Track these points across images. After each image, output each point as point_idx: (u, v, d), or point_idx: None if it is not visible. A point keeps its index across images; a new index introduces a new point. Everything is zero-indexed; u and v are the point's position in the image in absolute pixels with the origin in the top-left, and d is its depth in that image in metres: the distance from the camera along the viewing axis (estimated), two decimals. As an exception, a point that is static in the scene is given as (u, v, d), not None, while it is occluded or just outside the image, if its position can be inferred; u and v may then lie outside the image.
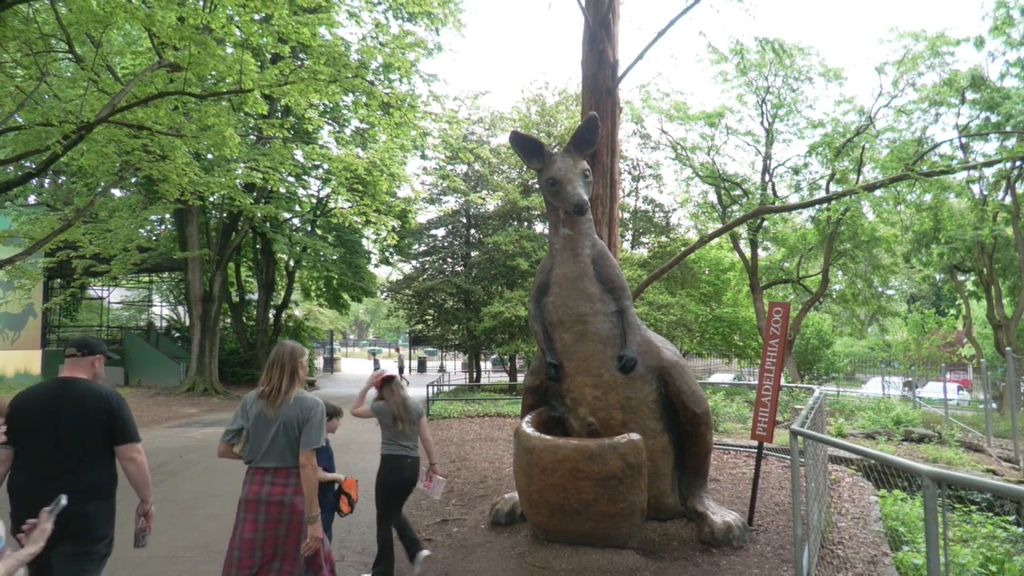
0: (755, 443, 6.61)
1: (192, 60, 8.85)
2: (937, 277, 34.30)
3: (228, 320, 28.39)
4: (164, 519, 6.69)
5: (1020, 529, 7.34)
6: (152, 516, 3.58)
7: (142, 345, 26.19)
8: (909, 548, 5.86)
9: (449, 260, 28.18)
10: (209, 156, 16.44)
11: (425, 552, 5.17)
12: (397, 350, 46.11)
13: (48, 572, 3.18)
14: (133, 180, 18.93)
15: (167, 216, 24.06)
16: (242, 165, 14.20)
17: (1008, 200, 20.76)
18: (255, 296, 29.08)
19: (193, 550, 5.73)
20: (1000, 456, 12.62)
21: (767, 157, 22.82)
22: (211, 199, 21.36)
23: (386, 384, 5.22)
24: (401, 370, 30.08)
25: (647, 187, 30.23)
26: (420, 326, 29.75)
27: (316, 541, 3.44)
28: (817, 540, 5.31)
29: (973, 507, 7.84)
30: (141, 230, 20.34)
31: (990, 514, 7.54)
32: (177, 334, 30.58)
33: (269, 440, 3.48)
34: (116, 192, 21.30)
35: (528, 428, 5.82)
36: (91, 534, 3.26)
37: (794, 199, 22.67)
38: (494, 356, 33.61)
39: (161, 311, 35.53)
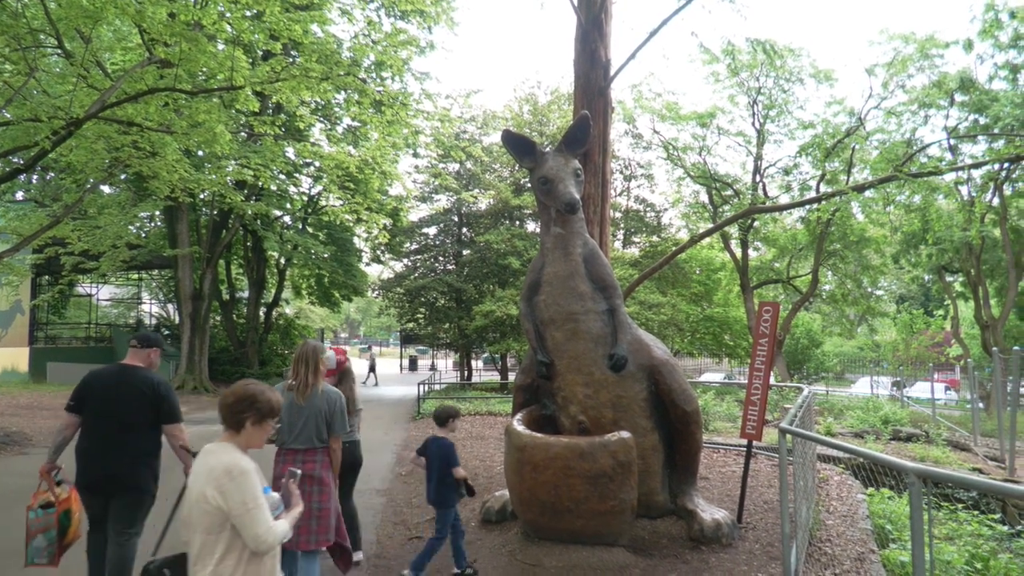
0: (744, 441, 6.65)
1: (183, 56, 8.80)
2: (925, 278, 34.59)
3: (218, 318, 28.29)
4: (152, 517, 6.66)
5: (1005, 527, 7.41)
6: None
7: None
8: (896, 546, 5.92)
9: (441, 258, 28.16)
10: (200, 153, 16.41)
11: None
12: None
13: (105, 517, 4.06)
14: (123, 177, 18.81)
15: (157, 213, 23.92)
16: (233, 162, 14.14)
17: (995, 202, 20.95)
18: (245, 294, 28.98)
19: (182, 548, 5.69)
20: (986, 455, 12.74)
21: (758, 158, 22.93)
22: (201, 196, 21.24)
23: (344, 375, 5.42)
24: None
25: (639, 187, 30.33)
26: (411, 324, 29.73)
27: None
28: (805, 537, 5.36)
29: (959, 505, 7.91)
30: (130, 227, 20.22)
31: (976, 512, 7.61)
32: (167, 332, 30.41)
33: (300, 426, 4.09)
34: (105, 189, 21.15)
35: (519, 426, 5.84)
36: (139, 488, 4.09)
37: (784, 199, 22.78)
38: (485, 355, 33.61)
39: (151, 309, 35.34)
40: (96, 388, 4.12)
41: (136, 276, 32.45)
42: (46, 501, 4.09)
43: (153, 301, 35.94)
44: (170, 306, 33.49)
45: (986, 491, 8.48)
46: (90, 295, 32.40)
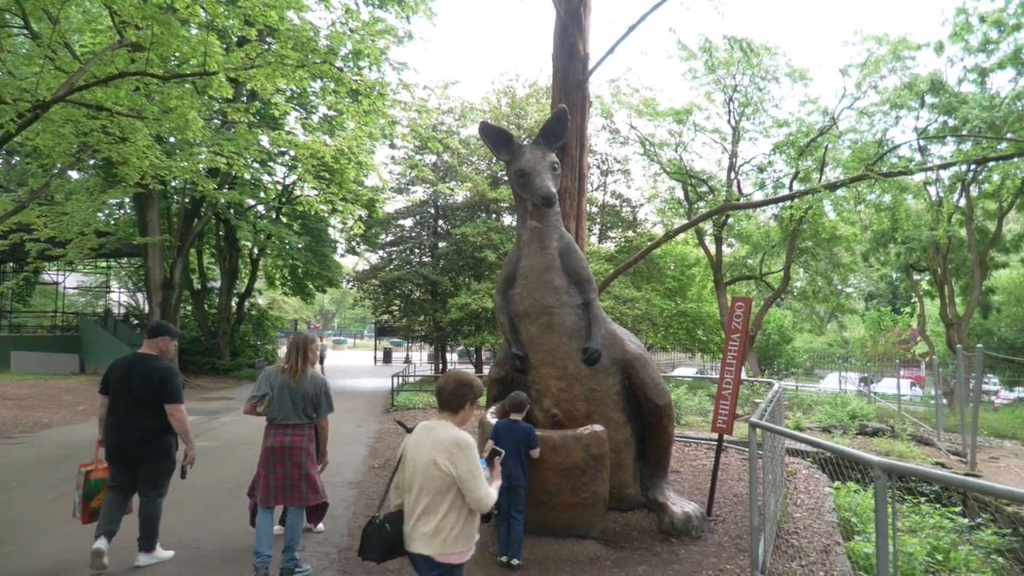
0: (715, 435, 6.73)
1: (155, 40, 8.62)
2: (894, 276, 35.22)
3: (189, 308, 27.87)
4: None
5: (966, 520, 7.61)
6: (192, 457, 5.02)
7: (99, 332, 25.52)
8: (861, 538, 6.04)
9: (416, 251, 28.02)
10: (171, 139, 16.10)
11: None
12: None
13: (124, 482, 4.91)
14: (91, 162, 18.40)
15: (126, 200, 23.46)
16: (205, 149, 13.89)
17: (962, 202, 21.40)
18: (217, 284, 28.57)
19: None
20: (949, 450, 13.05)
21: (733, 155, 23.13)
22: (173, 184, 20.89)
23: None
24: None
25: (615, 182, 30.42)
26: (386, 316, 29.55)
27: (325, 464, 5.19)
28: (773, 530, 5.45)
29: (922, 498, 8.10)
30: (99, 214, 19.80)
31: (938, 505, 7.80)
32: (136, 321, 29.87)
33: (291, 405, 4.77)
34: (73, 174, 20.70)
35: (493, 419, 5.85)
36: (156, 457, 4.90)
37: (758, 197, 23.03)
38: (460, 347, 33.55)
39: (119, 297, 34.68)
40: (115, 372, 4.93)
41: (104, 264, 31.80)
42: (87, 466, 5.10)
43: (122, 290, 35.27)
44: (139, 295, 32.90)
45: (948, 485, 8.69)
46: (57, 283, 31.69)
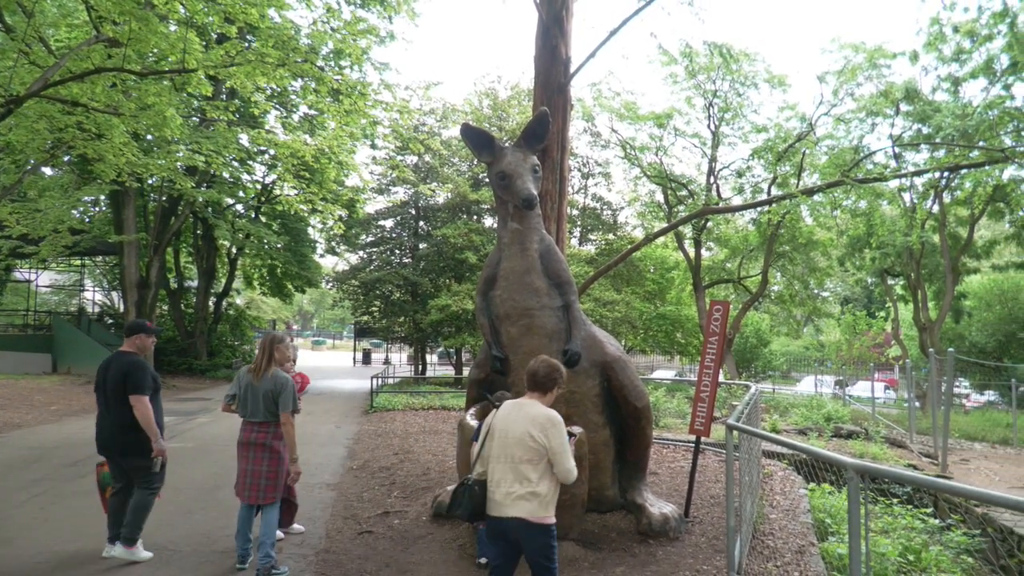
0: (693, 437, 6.79)
1: (132, 36, 8.50)
2: (868, 281, 35.80)
3: (165, 307, 27.50)
4: (94, 511, 6.45)
5: (936, 521, 7.75)
6: (159, 451, 5.03)
7: (72, 331, 25.06)
8: (835, 539, 6.13)
9: (397, 251, 27.92)
10: (149, 137, 15.87)
11: None
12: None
13: (118, 475, 5.15)
14: (66, 158, 18.12)
15: (102, 198, 23.10)
16: (184, 147, 13.74)
17: (935, 209, 21.79)
18: (195, 283, 28.22)
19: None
20: (921, 452, 13.28)
21: (712, 159, 23.35)
22: (150, 181, 20.62)
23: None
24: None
25: (596, 185, 30.56)
26: (366, 317, 29.40)
27: (297, 474, 5.14)
28: (749, 531, 5.50)
29: (895, 500, 8.24)
30: (73, 211, 19.49)
31: (910, 507, 7.94)
32: (110, 320, 29.41)
33: (254, 403, 4.92)
34: (47, 170, 20.35)
35: (472, 420, 5.84)
36: (134, 451, 5.01)
37: (737, 201, 23.26)
38: (440, 349, 33.50)
39: (93, 296, 34.13)
40: (99, 371, 5.16)
41: (78, 262, 31.25)
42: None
43: (96, 289, 34.71)
44: (115, 294, 32.41)
45: (920, 486, 8.83)
46: (29, 281, 31.10)
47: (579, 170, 29.23)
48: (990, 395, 25.88)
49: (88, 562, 5.09)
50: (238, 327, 30.58)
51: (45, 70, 8.71)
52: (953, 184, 21.18)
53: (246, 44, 11.35)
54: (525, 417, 3.48)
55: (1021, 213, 20.62)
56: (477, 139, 6.04)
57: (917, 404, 18.33)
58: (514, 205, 5.81)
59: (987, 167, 14.89)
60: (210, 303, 27.47)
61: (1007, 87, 17.57)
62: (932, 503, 9.68)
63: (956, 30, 17.72)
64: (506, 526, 3.45)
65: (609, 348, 6.13)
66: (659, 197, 25.88)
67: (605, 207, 30.48)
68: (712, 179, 23.65)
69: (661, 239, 26.94)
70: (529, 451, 3.42)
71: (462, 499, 3.62)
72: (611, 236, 28.88)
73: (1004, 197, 20.32)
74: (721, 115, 22.30)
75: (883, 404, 22.79)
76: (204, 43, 10.47)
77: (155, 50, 9.74)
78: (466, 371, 24.44)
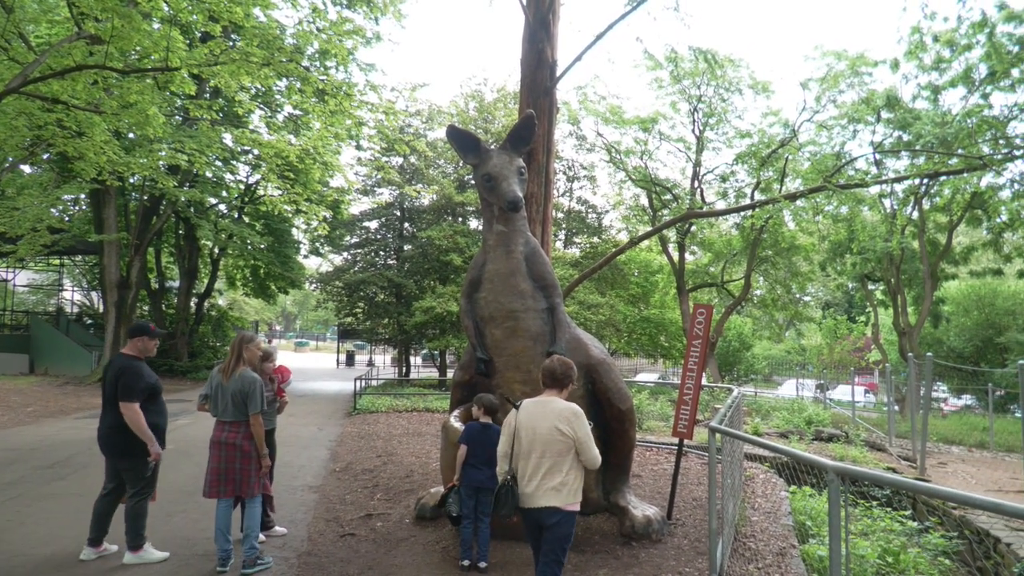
0: (676, 440, 6.82)
1: (115, 33, 8.42)
2: (849, 285, 36.18)
3: (146, 308, 27.18)
4: (71, 513, 6.38)
5: (915, 523, 7.84)
6: (156, 455, 5.09)
7: (50, 331, 24.74)
8: (815, 541, 6.18)
9: (381, 253, 27.80)
10: (131, 135, 15.72)
11: None
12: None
13: (112, 475, 5.19)
14: (45, 156, 17.88)
15: (82, 196, 22.82)
16: (166, 146, 13.61)
17: (915, 215, 22.07)
18: (176, 283, 27.93)
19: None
20: (900, 455, 13.43)
21: (697, 164, 23.49)
22: (131, 180, 20.40)
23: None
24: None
25: (581, 188, 30.64)
26: (350, 319, 29.24)
27: (267, 468, 5.17)
28: (731, 533, 5.54)
29: (874, 502, 8.32)
30: (52, 210, 19.20)
31: (889, 509, 8.03)
32: (89, 321, 29.03)
33: (223, 403, 4.95)
34: (26, 168, 20.06)
35: (456, 422, 5.84)
36: (125, 452, 5.04)
37: (721, 206, 23.42)
38: (424, 351, 33.38)
39: (72, 296, 33.67)
40: (104, 370, 5.36)
41: (57, 262, 30.85)
42: None
43: (76, 288, 34.24)
44: (94, 294, 32.00)
45: (899, 488, 8.91)
46: (6, 280, 30.63)
47: (564, 173, 29.30)
48: (967, 399, 26.23)
49: (65, 565, 5.02)
50: (220, 328, 30.28)
51: (25, 66, 8.60)
52: (932, 191, 21.46)
53: (231, 43, 11.28)
54: (550, 413, 3.76)
55: (998, 220, 20.94)
56: (463, 141, 6.04)
57: (896, 408, 18.53)
58: (499, 207, 5.81)
59: (965, 174, 15.11)
60: (192, 304, 27.20)
61: (985, 96, 17.86)
62: (911, 505, 9.79)
63: (936, 39, 17.99)
64: (539, 515, 3.72)
65: (593, 351, 6.15)
66: (644, 201, 26.01)
67: (590, 210, 30.57)
68: (696, 183, 23.80)
69: (645, 243, 27.06)
70: (558, 444, 3.71)
71: (506, 499, 3.79)
72: (596, 239, 28.96)
73: (982, 204, 20.63)
74: (705, 120, 22.46)
75: (863, 408, 23.01)
76: (188, 41, 10.40)
77: (138, 48, 9.65)
78: (450, 373, 24.40)
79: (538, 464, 3.72)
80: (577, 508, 3.77)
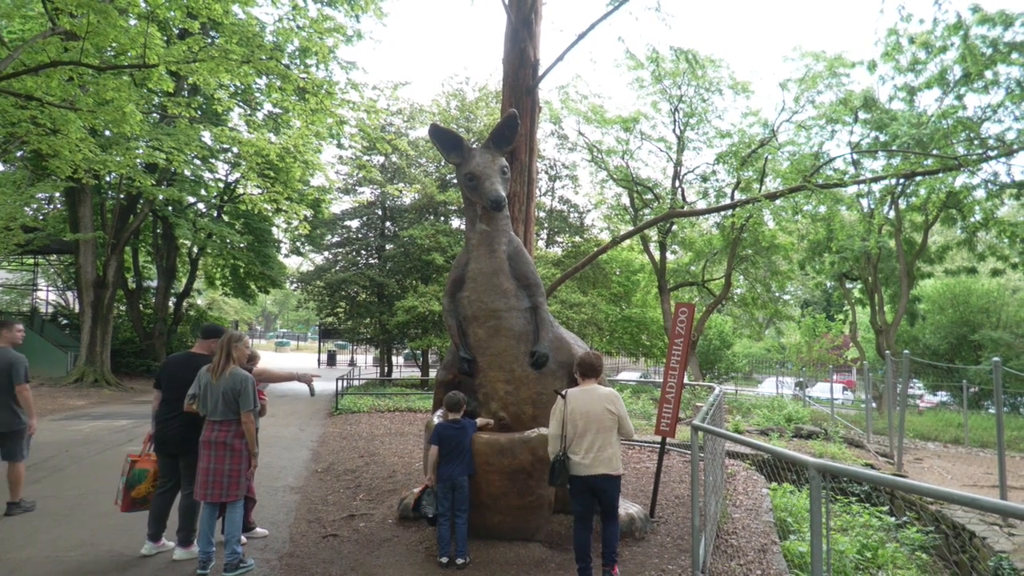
0: (659, 438, 6.86)
1: (91, 29, 8.29)
2: (828, 284, 36.51)
3: (123, 308, 26.81)
4: (48, 517, 6.28)
5: (892, 519, 7.96)
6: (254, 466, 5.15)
7: (25, 332, 24.30)
8: (795, 537, 6.25)
9: (363, 252, 27.65)
10: (107, 133, 15.49)
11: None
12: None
13: (171, 471, 5.28)
14: (19, 154, 17.56)
15: (57, 195, 22.45)
16: (143, 144, 13.43)
17: (892, 215, 22.40)
18: (154, 283, 27.56)
19: (78, 549, 5.39)
20: (877, 451, 13.62)
21: (678, 164, 23.63)
22: (108, 178, 20.12)
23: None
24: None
25: (563, 187, 30.70)
26: (331, 319, 29.06)
27: (255, 467, 5.15)
28: (713, 530, 5.58)
29: (853, 498, 8.43)
30: (27, 208, 18.88)
31: (867, 505, 8.14)
32: (65, 321, 28.55)
33: (214, 402, 4.93)
34: (-1, 166, 19.68)
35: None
36: (191, 452, 5.11)
37: (702, 205, 23.58)
38: (406, 351, 33.25)
39: (47, 296, 33.11)
40: (169, 368, 5.36)
41: (32, 261, 30.31)
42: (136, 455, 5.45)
43: (51, 288, 33.67)
44: (70, 294, 31.49)
45: (878, 484, 9.04)
46: (-22, 280, 30.05)
47: (546, 172, 29.34)
48: (942, 396, 26.68)
49: (41, 566, 4.94)
50: (199, 328, 29.97)
51: (-2, 62, 8.44)
52: (908, 191, 21.80)
53: (209, 40, 11.16)
54: (598, 398, 4.62)
55: (972, 219, 21.30)
56: (445, 140, 6.02)
57: (874, 405, 18.79)
58: (482, 206, 5.80)
59: (940, 174, 15.34)
60: (170, 303, 26.86)
61: (959, 97, 18.16)
62: (889, 501, 9.93)
63: (912, 41, 18.27)
64: (593, 482, 4.53)
65: (576, 350, 6.16)
66: (625, 200, 26.11)
67: (572, 210, 30.65)
68: (677, 183, 23.94)
69: (627, 242, 27.17)
70: (608, 421, 4.58)
71: (561, 471, 4.54)
72: (578, 239, 29.04)
73: (956, 204, 20.98)
74: (686, 120, 22.60)
75: (841, 405, 23.33)
76: (166, 38, 10.27)
77: (114, 44, 9.51)
78: (433, 373, 24.33)
79: (593, 440, 4.53)
80: (621, 473, 4.64)
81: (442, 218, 26.20)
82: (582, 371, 4.82)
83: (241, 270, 27.73)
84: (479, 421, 5.67)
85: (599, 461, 4.51)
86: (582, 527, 4.67)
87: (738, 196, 21.51)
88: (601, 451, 4.52)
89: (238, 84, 14.41)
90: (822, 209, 20.13)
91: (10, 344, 6.57)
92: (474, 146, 6.06)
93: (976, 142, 16.87)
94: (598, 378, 4.76)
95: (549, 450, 4.72)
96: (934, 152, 15.37)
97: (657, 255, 26.00)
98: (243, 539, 5.43)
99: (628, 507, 6.05)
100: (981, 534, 7.50)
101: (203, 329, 5.69)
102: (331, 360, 42.47)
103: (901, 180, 19.17)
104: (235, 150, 18.01)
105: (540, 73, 8.36)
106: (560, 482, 4.55)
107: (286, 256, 29.80)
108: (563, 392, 4.72)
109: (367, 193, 26.93)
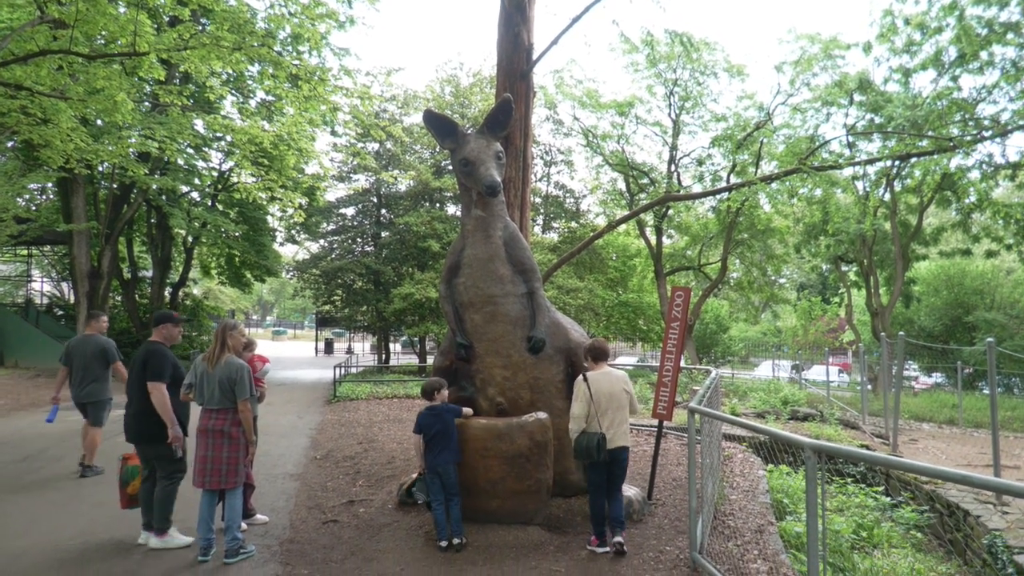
0: (656, 422, 6.89)
1: (80, 17, 8.19)
2: (823, 267, 36.67)
3: (118, 298, 26.73)
4: (45, 507, 6.30)
5: (888, 499, 8.03)
6: (175, 437, 5.14)
7: (20, 323, 24.22)
8: (792, 517, 6.30)
9: (359, 240, 27.57)
10: (99, 122, 15.36)
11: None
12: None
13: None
14: (10, 144, 17.43)
15: (49, 185, 22.30)
16: (136, 133, 13.32)
17: (887, 197, 22.40)
18: (149, 273, 27.46)
19: (77, 539, 5.41)
20: (873, 432, 13.71)
21: (673, 148, 23.58)
22: (100, 168, 19.97)
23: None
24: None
25: (559, 172, 30.63)
26: (327, 307, 29.02)
27: (253, 454, 5.24)
28: (710, 512, 5.63)
29: (849, 479, 8.51)
30: (19, 199, 18.77)
31: (863, 486, 8.21)
32: (60, 312, 28.47)
33: (210, 390, 4.95)
34: (-11, 157, 19.54)
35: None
36: (152, 437, 5.20)
37: (697, 189, 23.55)
38: (404, 338, 33.28)
39: (42, 287, 33.00)
40: (131, 361, 5.48)
41: (25, 252, 30.16)
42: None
43: (45, 279, 33.55)
44: (64, 285, 31.38)
45: (873, 464, 9.11)
46: (-28, 272, 29.92)
47: (541, 158, 29.22)
48: (937, 377, 26.81)
49: (39, 556, 4.96)
50: (195, 318, 29.90)
51: (-14, 51, 8.35)
52: (903, 173, 21.78)
53: (200, 27, 11.05)
54: (615, 380, 5.19)
55: (967, 201, 21.32)
56: (440, 126, 5.99)
57: (869, 387, 18.90)
58: (478, 192, 5.79)
59: (935, 156, 15.35)
60: (166, 293, 26.79)
61: (955, 79, 18.11)
62: (884, 481, 10.02)
63: (907, 22, 18.18)
64: (614, 454, 5.07)
65: (573, 334, 6.18)
66: (621, 185, 26.06)
67: (568, 195, 30.56)
68: (673, 167, 23.90)
69: (623, 227, 27.16)
70: (624, 399, 5.19)
71: (601, 446, 4.96)
72: (574, 224, 28.98)
73: (951, 185, 20.98)
74: (681, 104, 22.52)
75: (837, 387, 23.43)
76: (156, 26, 10.15)
77: (104, 32, 9.40)
78: (430, 359, 24.37)
79: (613, 417, 5.09)
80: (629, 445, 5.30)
81: (438, 205, 26.11)
82: (594, 356, 5.29)
83: (236, 259, 27.62)
84: (465, 410, 5.70)
85: (619, 435, 5.08)
86: (599, 495, 5.14)
87: (734, 180, 21.49)
88: (620, 426, 5.09)
89: (230, 72, 14.30)
90: (818, 192, 20.16)
91: (98, 332, 7.49)
92: (469, 132, 6.04)
93: (971, 123, 16.85)
94: (607, 361, 5.29)
95: (571, 428, 5.11)
96: (929, 134, 15.35)
97: (653, 240, 25.99)
98: (243, 525, 5.46)
99: (626, 490, 6.09)
100: (975, 512, 7.57)
101: (154, 316, 5.84)
102: (328, 348, 42.46)
103: (896, 162, 19.15)
104: (228, 138, 17.88)
105: (534, 58, 8.31)
106: (602, 457, 4.95)
107: (281, 245, 29.70)
108: (583, 374, 5.21)
109: (362, 180, 26.81)
